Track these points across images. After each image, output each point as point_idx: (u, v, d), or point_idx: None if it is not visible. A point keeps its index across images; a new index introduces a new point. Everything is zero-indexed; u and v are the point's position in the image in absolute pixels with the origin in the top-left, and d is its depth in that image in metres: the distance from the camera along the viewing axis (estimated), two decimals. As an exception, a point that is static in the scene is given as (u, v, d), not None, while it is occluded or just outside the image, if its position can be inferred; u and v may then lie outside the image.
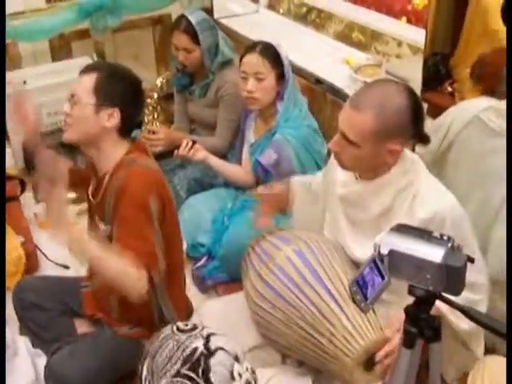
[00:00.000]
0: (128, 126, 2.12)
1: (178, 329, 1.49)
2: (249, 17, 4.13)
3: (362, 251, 2.01)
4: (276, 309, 2.02)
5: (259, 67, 2.72)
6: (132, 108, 2.11)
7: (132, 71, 2.19)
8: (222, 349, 1.43)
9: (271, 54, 2.73)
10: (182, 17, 3.14)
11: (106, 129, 2.05)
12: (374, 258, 1.25)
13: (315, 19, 3.85)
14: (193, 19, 3.09)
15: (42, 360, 2.25)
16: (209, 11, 3.78)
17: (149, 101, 3.23)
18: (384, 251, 1.24)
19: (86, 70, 2.10)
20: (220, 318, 2.33)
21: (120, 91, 2.06)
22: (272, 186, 2.48)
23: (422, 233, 1.25)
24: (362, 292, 1.23)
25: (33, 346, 2.29)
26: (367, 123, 1.80)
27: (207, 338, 1.45)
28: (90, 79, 2.04)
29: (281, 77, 2.74)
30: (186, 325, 1.51)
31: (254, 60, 2.73)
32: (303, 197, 2.39)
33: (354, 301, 1.26)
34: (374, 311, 1.88)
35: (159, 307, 2.18)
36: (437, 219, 1.81)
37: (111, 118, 2.04)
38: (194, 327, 1.50)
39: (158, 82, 3.25)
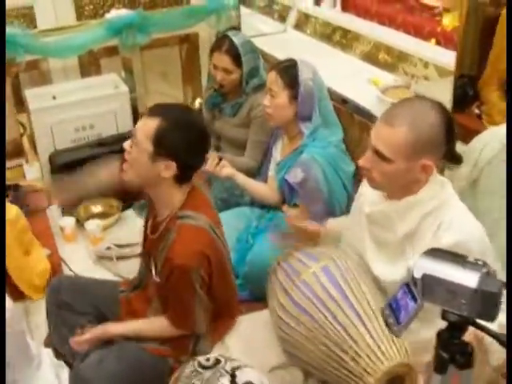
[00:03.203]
0: (186, 175, 2.07)
1: (200, 365, 1.47)
2: (276, 36, 4.16)
3: (384, 271, 2.01)
4: (300, 325, 2.02)
5: (272, 84, 2.76)
6: (192, 160, 2.05)
7: (200, 117, 2.12)
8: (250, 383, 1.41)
9: (289, 73, 2.74)
10: (225, 37, 3.16)
11: (161, 177, 2.01)
12: (407, 282, 1.24)
13: (341, 39, 3.87)
14: (236, 41, 3.12)
15: (65, 372, 2.26)
16: (237, 30, 3.81)
17: None
18: (417, 275, 1.23)
19: (152, 112, 2.02)
20: (243, 336, 2.33)
21: (180, 144, 1.98)
22: (308, 224, 2.43)
23: (456, 257, 1.24)
24: (394, 315, 1.22)
25: (56, 357, 2.31)
26: (401, 137, 1.80)
27: (233, 374, 1.42)
28: (152, 125, 1.96)
29: (295, 97, 2.75)
30: (208, 359, 1.49)
31: (271, 77, 2.77)
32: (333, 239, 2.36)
33: (386, 324, 1.25)
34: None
35: (197, 337, 2.19)
36: (460, 248, 1.77)
37: (167, 169, 1.99)
38: (217, 361, 1.47)
39: (197, 103, 3.28)
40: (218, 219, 2.20)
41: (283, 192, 2.88)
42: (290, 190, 2.79)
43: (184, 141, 1.99)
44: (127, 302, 2.32)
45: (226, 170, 2.85)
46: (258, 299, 2.66)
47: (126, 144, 2.04)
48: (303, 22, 4.20)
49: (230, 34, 3.18)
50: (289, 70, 2.75)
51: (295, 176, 2.71)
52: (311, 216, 2.69)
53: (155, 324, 2.18)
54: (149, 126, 1.97)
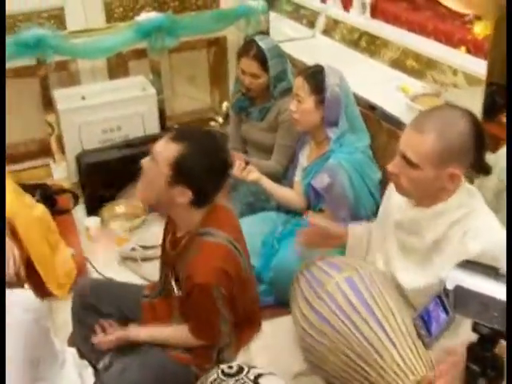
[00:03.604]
0: (203, 201, 2.03)
1: (223, 373, 1.46)
2: (304, 42, 4.15)
3: (411, 279, 2.00)
4: (323, 335, 2.00)
5: (299, 89, 2.77)
6: (209, 188, 2.01)
7: (224, 145, 2.08)
8: None
9: (316, 79, 2.75)
10: (252, 42, 3.17)
11: (176, 201, 1.99)
12: (439, 294, 1.23)
13: (370, 46, 3.85)
14: (263, 45, 3.12)
15: (88, 372, 2.27)
16: (265, 35, 3.82)
17: (213, 124, 3.28)
18: (450, 287, 1.22)
19: (176, 136, 1.98)
20: (266, 341, 2.33)
21: (200, 173, 1.95)
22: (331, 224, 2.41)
23: (488, 270, 1.23)
24: (426, 327, 1.21)
25: (80, 356, 2.32)
26: (429, 144, 1.80)
27: (256, 382, 1.42)
28: (174, 150, 1.93)
29: (321, 103, 2.75)
30: (231, 367, 1.49)
31: (298, 82, 2.79)
32: (358, 242, 2.33)
33: (418, 335, 1.24)
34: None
35: (221, 347, 2.17)
36: (486, 257, 1.74)
37: (182, 195, 1.97)
38: (240, 369, 1.47)
39: (224, 106, 3.29)
40: (240, 231, 2.19)
41: (309, 198, 2.87)
42: (316, 195, 2.79)
43: (204, 170, 1.96)
44: (151, 307, 2.32)
45: (253, 174, 2.86)
46: (283, 304, 2.66)
47: (145, 160, 2.02)
48: (332, 27, 4.19)
49: (257, 38, 3.19)
50: (315, 76, 2.76)
51: (321, 181, 2.71)
52: (336, 222, 2.68)
53: (178, 333, 2.17)
54: (171, 150, 1.94)
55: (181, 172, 1.94)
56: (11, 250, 2.45)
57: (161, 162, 1.95)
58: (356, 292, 1.99)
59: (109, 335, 2.21)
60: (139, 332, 2.22)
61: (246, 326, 2.26)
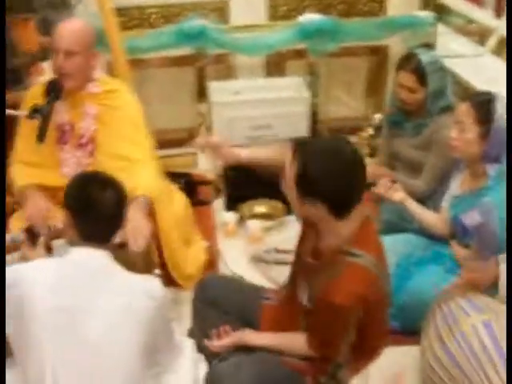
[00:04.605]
0: (342, 209, 1.92)
1: None
2: (472, 60, 3.92)
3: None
4: (450, 377, 1.92)
5: (463, 117, 2.53)
6: (340, 192, 1.89)
7: (343, 147, 1.92)
8: None
9: (484, 108, 2.50)
10: (413, 55, 3.05)
11: (315, 216, 1.94)
12: None
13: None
14: (424, 59, 3.00)
15: (203, 366, 2.27)
16: (430, 48, 3.67)
17: (363, 134, 3.21)
18: None
19: (292, 155, 1.92)
20: (386, 369, 2.30)
21: (321, 180, 1.85)
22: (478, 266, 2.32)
23: None
24: None
25: (197, 349, 2.32)
26: None
27: None
28: (293, 169, 1.89)
29: (486, 135, 2.50)
30: None
31: (463, 108, 2.54)
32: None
33: None
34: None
35: (338, 364, 2.10)
36: None
37: (315, 208, 1.90)
38: None
39: (377, 118, 3.21)
40: (384, 252, 2.08)
41: (454, 227, 2.70)
42: (464, 230, 2.59)
43: (326, 176, 1.86)
44: (272, 311, 2.28)
45: (398, 194, 2.76)
46: (409, 332, 2.58)
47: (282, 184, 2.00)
48: (503, 46, 3.94)
49: (419, 51, 3.07)
50: (484, 105, 2.51)
51: (472, 219, 2.49)
52: (483, 262, 2.50)
53: (294, 342, 2.12)
54: (292, 170, 1.90)
55: (303, 186, 1.89)
56: (145, 229, 2.47)
57: (288, 184, 1.93)
58: (492, 337, 1.92)
59: (223, 339, 2.20)
60: (254, 337, 2.19)
61: (367, 349, 2.16)
